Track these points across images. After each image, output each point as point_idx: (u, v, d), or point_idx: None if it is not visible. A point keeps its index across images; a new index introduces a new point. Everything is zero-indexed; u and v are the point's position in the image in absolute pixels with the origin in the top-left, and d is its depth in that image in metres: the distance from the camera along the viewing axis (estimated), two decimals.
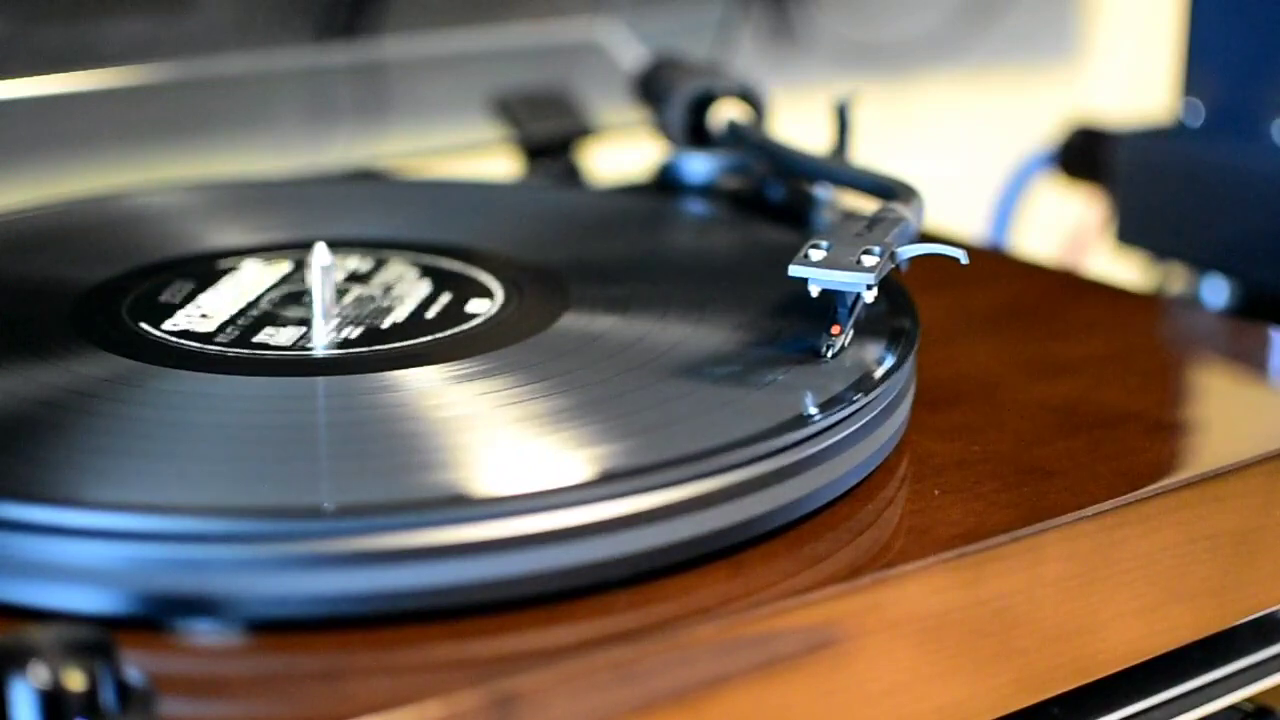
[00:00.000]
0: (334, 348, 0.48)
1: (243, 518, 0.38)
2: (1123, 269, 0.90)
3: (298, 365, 0.47)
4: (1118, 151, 0.84)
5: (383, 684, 0.36)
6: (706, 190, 0.69)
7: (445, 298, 0.53)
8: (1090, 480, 0.46)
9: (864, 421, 0.45)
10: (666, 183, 0.70)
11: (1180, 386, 0.56)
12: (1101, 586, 0.45)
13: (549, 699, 0.36)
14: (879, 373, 0.46)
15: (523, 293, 0.53)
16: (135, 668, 0.34)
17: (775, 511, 0.42)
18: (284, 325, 0.50)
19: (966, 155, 1.08)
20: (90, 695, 0.32)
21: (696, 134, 0.69)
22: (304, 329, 0.50)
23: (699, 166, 0.69)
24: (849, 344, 0.48)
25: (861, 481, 0.45)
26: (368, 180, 0.74)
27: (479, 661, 0.37)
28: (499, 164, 0.82)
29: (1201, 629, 0.48)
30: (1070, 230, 0.95)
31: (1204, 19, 0.82)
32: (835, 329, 0.47)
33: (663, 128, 0.71)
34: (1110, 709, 0.47)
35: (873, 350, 0.48)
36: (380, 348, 0.48)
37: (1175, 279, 0.85)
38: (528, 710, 0.36)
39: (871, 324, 0.49)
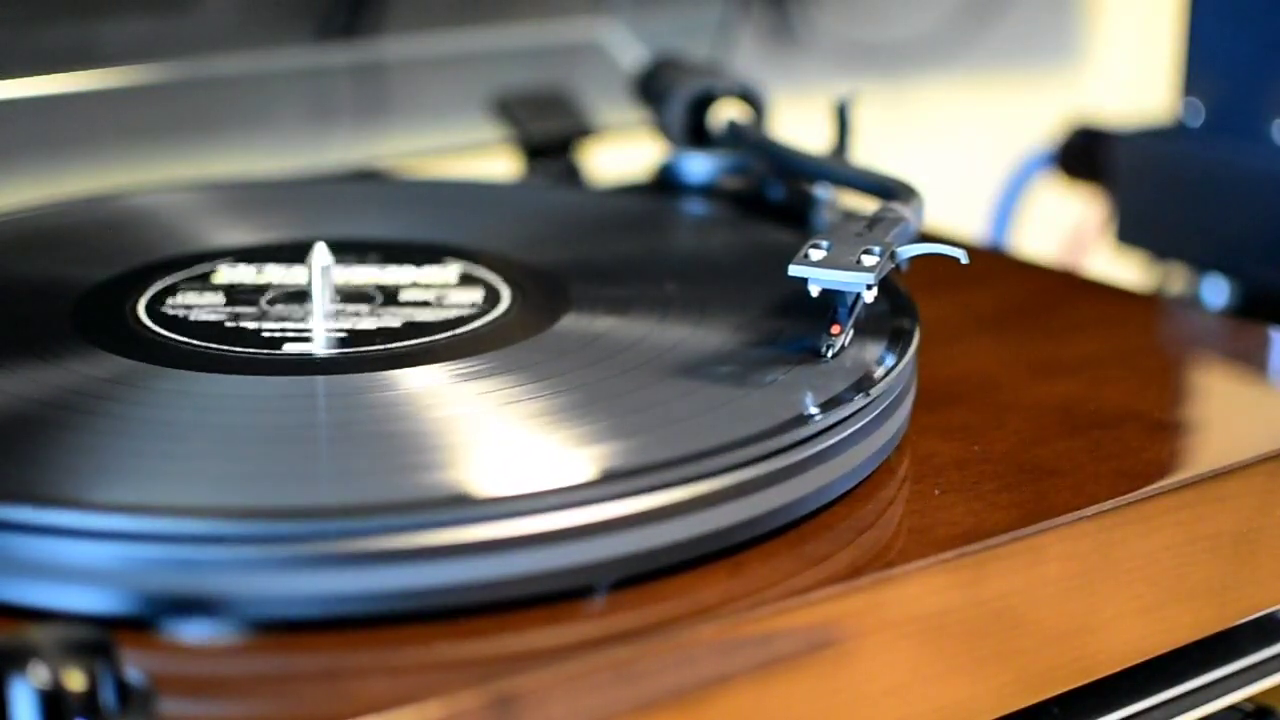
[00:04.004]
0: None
1: (243, 518, 0.38)
2: (1123, 269, 0.90)
3: (298, 365, 0.47)
4: (1118, 151, 0.84)
5: (383, 684, 0.36)
6: (706, 190, 0.69)
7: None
8: (1090, 480, 0.46)
9: (864, 421, 0.45)
10: (666, 183, 0.70)
11: (1180, 386, 0.56)
12: (1101, 586, 0.45)
13: (549, 699, 0.36)
14: (879, 373, 0.46)
15: (524, 293, 0.53)
16: (135, 668, 0.34)
17: (776, 511, 0.42)
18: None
19: (966, 155, 1.08)
20: (90, 695, 0.32)
21: (696, 134, 0.69)
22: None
23: (699, 166, 0.69)
24: (849, 344, 0.48)
25: (862, 481, 0.45)
26: (368, 180, 0.74)
27: (479, 661, 0.37)
28: (499, 164, 0.82)
29: (1201, 629, 0.48)
30: (1070, 230, 0.95)
31: (1204, 19, 0.82)
32: (835, 329, 0.47)
33: (663, 128, 0.71)
34: (1110, 709, 0.47)
35: (873, 350, 0.48)
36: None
37: (1175, 279, 0.85)
38: (528, 710, 0.36)
39: (872, 324, 0.49)
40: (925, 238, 0.52)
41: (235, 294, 0.53)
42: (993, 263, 0.68)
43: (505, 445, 0.42)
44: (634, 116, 0.76)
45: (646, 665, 0.37)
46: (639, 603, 0.39)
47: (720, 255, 0.61)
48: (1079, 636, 0.45)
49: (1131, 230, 0.84)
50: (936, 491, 0.45)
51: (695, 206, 0.67)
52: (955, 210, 0.91)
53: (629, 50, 0.86)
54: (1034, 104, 1.11)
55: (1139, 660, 0.47)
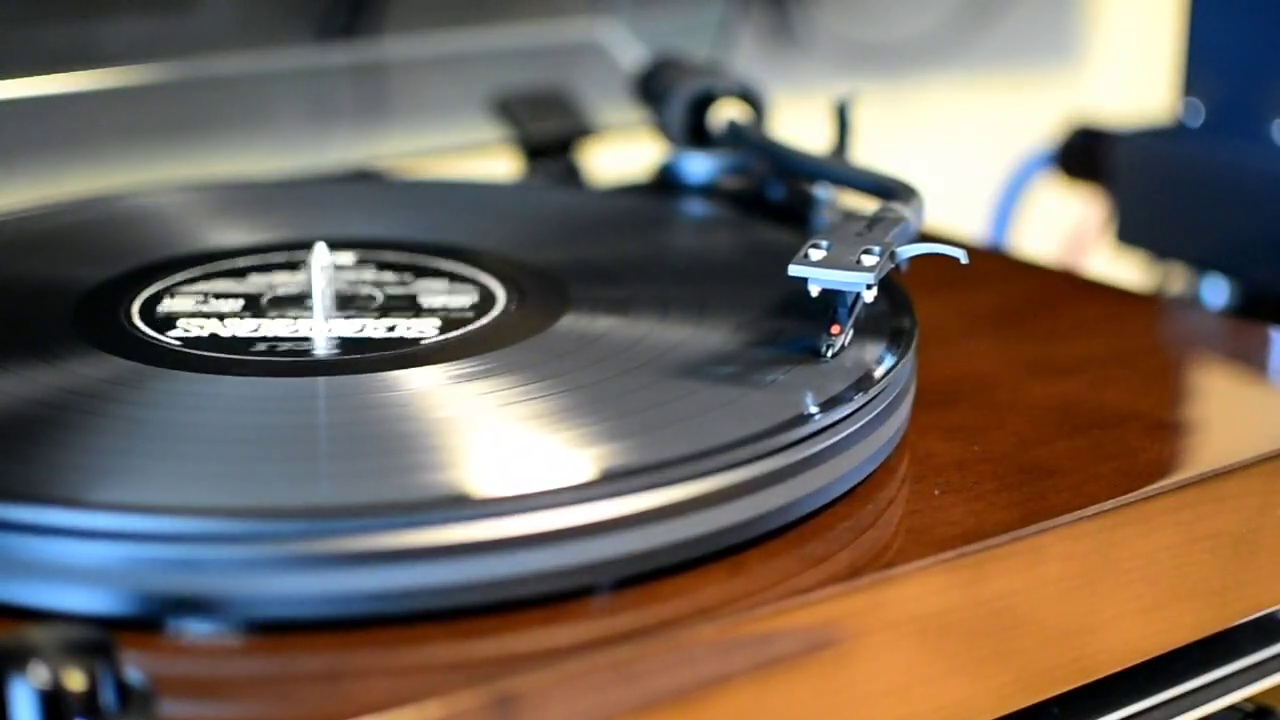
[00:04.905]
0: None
1: (243, 518, 0.38)
2: (1123, 269, 0.90)
3: (298, 365, 0.47)
4: (1118, 151, 0.84)
5: (383, 684, 0.36)
6: (706, 190, 0.69)
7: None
8: (1090, 480, 0.46)
9: (864, 421, 0.45)
10: (666, 183, 0.70)
11: (1180, 386, 0.56)
12: (1101, 586, 0.45)
13: (549, 699, 0.36)
14: (879, 372, 0.46)
15: (523, 293, 0.53)
16: (135, 668, 0.34)
17: (775, 511, 0.42)
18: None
19: (967, 155, 1.08)
20: (90, 695, 0.32)
21: (696, 134, 0.69)
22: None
23: (699, 166, 0.69)
24: (849, 344, 0.48)
25: (862, 481, 0.45)
26: (368, 180, 0.74)
27: (479, 661, 0.37)
28: (499, 164, 0.82)
29: (1201, 629, 0.48)
30: (1070, 230, 0.95)
31: (1204, 19, 0.82)
32: (835, 329, 0.47)
33: (663, 128, 0.71)
34: (1110, 709, 0.47)
35: (873, 350, 0.48)
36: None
37: (1175, 279, 0.85)
38: (528, 710, 0.36)
39: (872, 324, 0.49)
40: (925, 238, 0.52)
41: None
42: (993, 263, 0.68)
43: (505, 445, 0.43)
44: (634, 116, 0.76)
45: (646, 665, 0.37)
46: (639, 603, 0.39)
47: (720, 255, 0.61)
48: (1079, 636, 0.45)
49: (1131, 230, 0.84)
50: (936, 491, 0.45)
51: (695, 206, 0.67)
52: (955, 210, 0.91)
53: (629, 50, 0.86)
54: (1034, 104, 1.11)
55: (1139, 660, 0.47)
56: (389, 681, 0.36)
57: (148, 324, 0.50)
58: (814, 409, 0.43)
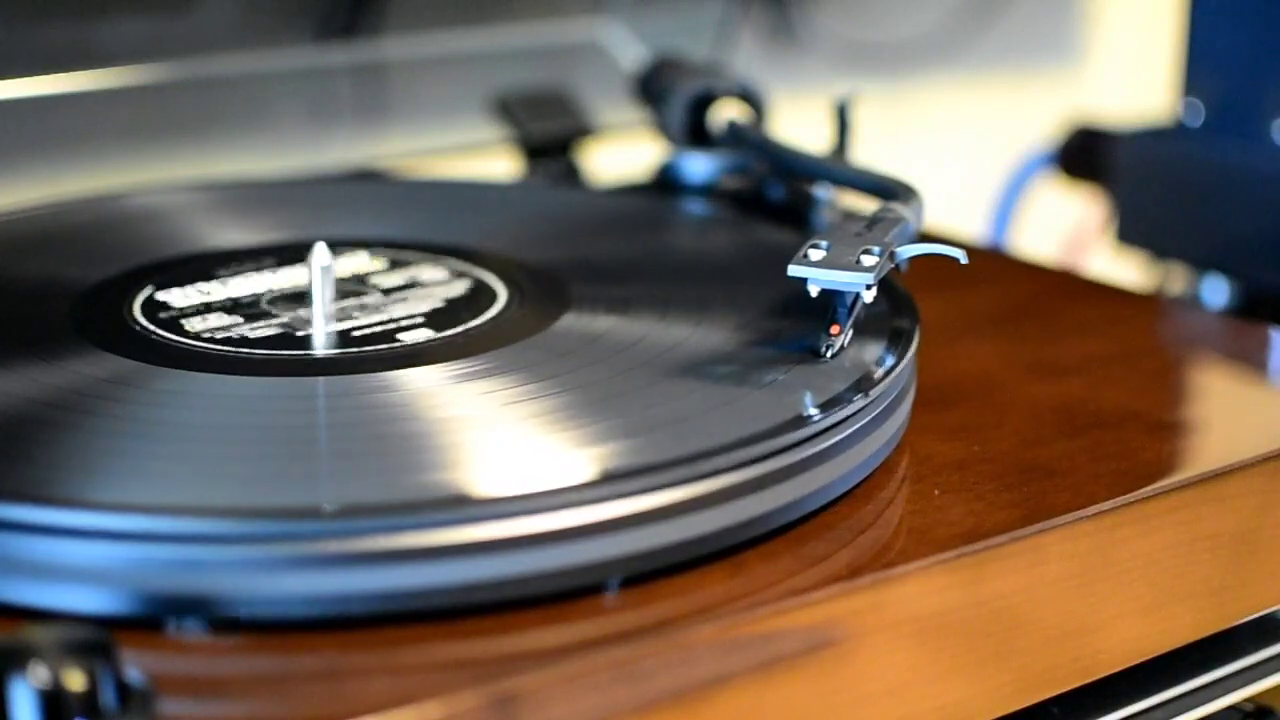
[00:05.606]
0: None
1: (243, 518, 0.38)
2: (1123, 269, 0.90)
3: (298, 365, 0.47)
4: (1118, 151, 0.84)
5: (383, 684, 0.36)
6: (706, 190, 0.69)
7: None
8: (1090, 480, 0.46)
9: (864, 422, 0.45)
10: (666, 183, 0.70)
11: (1180, 386, 0.56)
12: (1101, 586, 0.45)
13: (549, 699, 0.36)
14: (879, 373, 0.46)
15: (523, 292, 0.53)
16: (135, 668, 0.34)
17: (775, 511, 0.42)
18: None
19: (967, 156, 1.08)
20: (90, 695, 0.32)
21: (696, 134, 0.69)
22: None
23: (699, 166, 0.69)
24: (849, 344, 0.48)
25: (862, 482, 0.45)
26: (368, 180, 0.74)
27: (479, 661, 0.37)
28: (499, 164, 0.82)
29: (1201, 629, 0.48)
30: (1070, 230, 0.95)
31: (1204, 19, 0.82)
32: (834, 329, 0.47)
33: (663, 128, 0.71)
34: (1110, 709, 0.47)
35: (873, 350, 0.48)
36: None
37: (1175, 279, 0.85)
38: (528, 710, 0.36)
39: (872, 324, 0.49)
40: (925, 238, 0.52)
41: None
42: (993, 263, 0.68)
43: (505, 445, 0.43)
44: (634, 116, 0.76)
45: (646, 665, 0.37)
46: (639, 603, 0.39)
47: (720, 255, 0.61)
48: (1079, 636, 0.45)
49: (1131, 230, 0.84)
50: (936, 492, 0.45)
51: (695, 206, 0.67)
52: (955, 210, 0.91)
53: (629, 50, 0.86)
54: (1034, 104, 1.11)
55: (1139, 660, 0.47)
56: (389, 681, 0.36)
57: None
58: (814, 410, 0.43)
